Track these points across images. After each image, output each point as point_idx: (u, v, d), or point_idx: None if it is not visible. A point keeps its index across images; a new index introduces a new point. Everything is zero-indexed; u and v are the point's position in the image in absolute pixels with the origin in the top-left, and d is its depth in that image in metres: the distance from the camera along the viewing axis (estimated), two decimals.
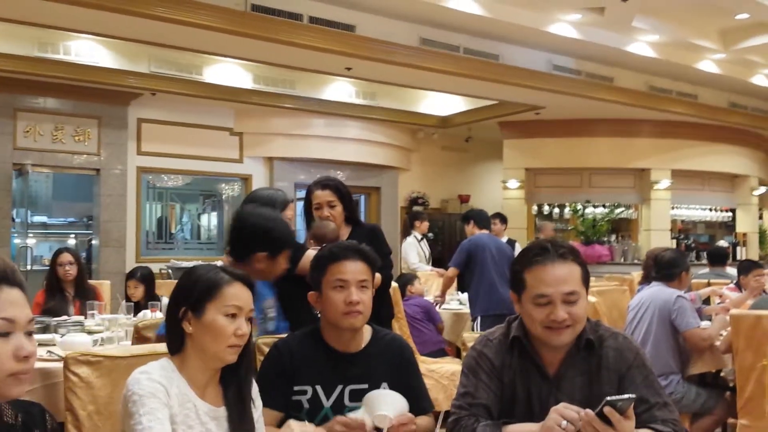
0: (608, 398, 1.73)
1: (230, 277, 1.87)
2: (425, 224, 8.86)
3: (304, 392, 2.15)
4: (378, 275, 2.26)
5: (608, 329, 2.05)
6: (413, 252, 8.60)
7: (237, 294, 1.85)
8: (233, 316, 1.83)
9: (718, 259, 7.02)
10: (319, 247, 2.65)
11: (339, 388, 2.16)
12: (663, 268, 4.18)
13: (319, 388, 2.15)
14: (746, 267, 5.14)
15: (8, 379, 1.34)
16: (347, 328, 2.18)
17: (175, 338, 1.87)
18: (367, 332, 2.26)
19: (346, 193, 3.43)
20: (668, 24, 8.45)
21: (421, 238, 8.75)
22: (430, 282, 7.25)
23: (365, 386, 2.14)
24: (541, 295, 1.93)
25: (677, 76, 9.93)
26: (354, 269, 2.19)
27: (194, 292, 1.85)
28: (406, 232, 8.84)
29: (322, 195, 3.37)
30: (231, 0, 6.61)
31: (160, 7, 6.14)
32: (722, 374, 4.11)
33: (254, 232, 2.63)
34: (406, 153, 11.70)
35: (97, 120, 8.82)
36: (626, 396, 1.75)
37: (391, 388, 2.15)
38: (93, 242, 9.06)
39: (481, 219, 6.20)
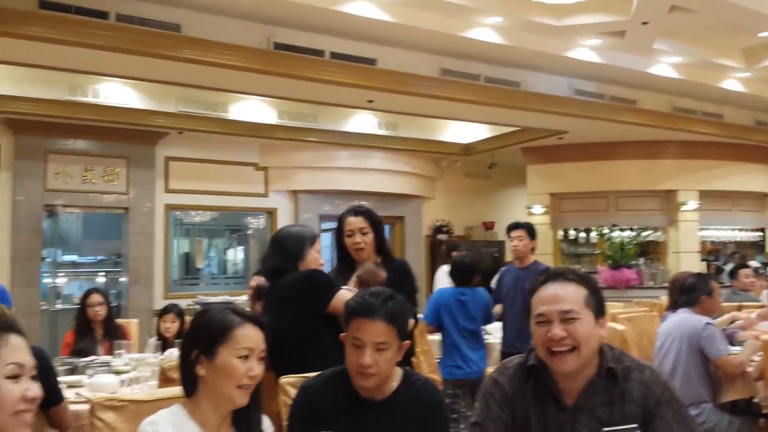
0: (605, 429, 1.69)
1: (241, 318, 1.89)
2: None
3: None
4: (407, 341, 2.13)
5: (634, 361, 1.98)
6: (446, 280, 8.69)
7: (248, 335, 1.87)
8: (245, 357, 1.85)
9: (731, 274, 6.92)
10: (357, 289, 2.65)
11: None
12: (684, 293, 4.20)
13: None
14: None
15: (13, 419, 1.45)
16: (359, 387, 2.09)
17: (188, 381, 1.90)
18: (397, 376, 2.15)
19: (378, 221, 3.40)
20: (690, 45, 8.41)
21: None
22: None
23: None
24: (539, 314, 1.92)
25: (701, 96, 9.86)
26: (373, 330, 2.04)
27: (206, 336, 1.88)
28: (443, 260, 8.99)
29: (355, 222, 3.34)
30: (254, 39, 6.76)
31: (187, 50, 6.27)
32: (755, 401, 4.02)
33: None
34: (429, 182, 11.72)
35: (126, 160, 8.99)
36: (624, 427, 1.71)
37: None
38: (122, 280, 9.16)
39: None
